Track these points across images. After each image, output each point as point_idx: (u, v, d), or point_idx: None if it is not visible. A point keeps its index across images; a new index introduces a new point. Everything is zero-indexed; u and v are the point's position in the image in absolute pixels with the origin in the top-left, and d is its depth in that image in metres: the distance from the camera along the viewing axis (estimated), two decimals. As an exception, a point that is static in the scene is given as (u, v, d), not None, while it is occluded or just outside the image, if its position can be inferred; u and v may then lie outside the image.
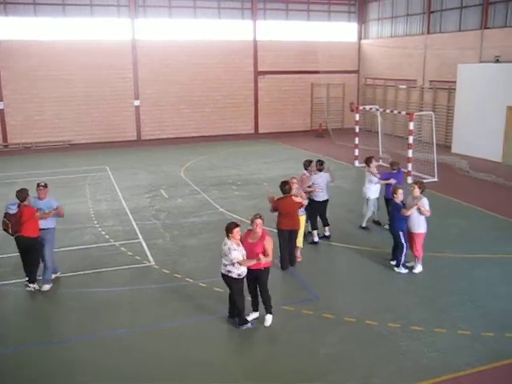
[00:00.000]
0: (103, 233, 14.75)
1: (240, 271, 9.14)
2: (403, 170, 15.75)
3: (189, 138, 31.94)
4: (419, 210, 11.45)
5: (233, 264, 9.04)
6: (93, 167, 23.85)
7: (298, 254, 12.55)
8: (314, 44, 33.99)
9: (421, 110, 27.54)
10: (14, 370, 8.34)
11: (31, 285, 11.08)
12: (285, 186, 11.77)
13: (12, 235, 10.94)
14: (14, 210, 10.81)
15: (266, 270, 9.44)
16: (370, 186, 14.67)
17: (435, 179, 20.20)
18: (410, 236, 11.72)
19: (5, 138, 29.43)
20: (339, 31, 35.50)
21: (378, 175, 14.64)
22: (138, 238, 14.27)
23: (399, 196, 11.71)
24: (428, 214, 11.53)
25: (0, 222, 11.18)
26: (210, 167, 23.83)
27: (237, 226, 9.13)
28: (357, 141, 23.81)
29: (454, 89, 26.73)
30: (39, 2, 28.80)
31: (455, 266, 12.25)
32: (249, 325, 9.46)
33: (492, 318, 9.69)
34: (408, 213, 11.44)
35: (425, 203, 11.54)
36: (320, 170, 13.72)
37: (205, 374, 8.15)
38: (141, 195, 18.85)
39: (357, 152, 23.73)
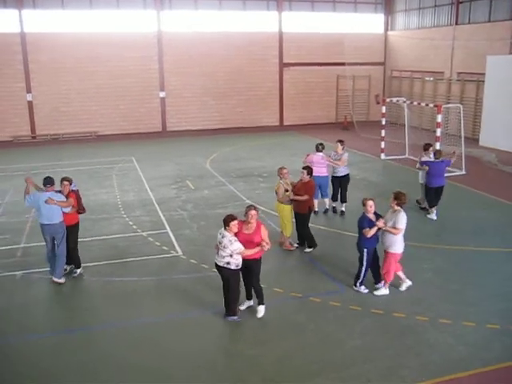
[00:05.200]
0: (130, 223, 14.91)
1: (238, 262, 9.16)
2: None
3: (214, 130, 32.02)
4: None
5: (231, 255, 9.05)
6: (119, 158, 24.09)
7: (286, 243, 12.88)
8: (339, 35, 33.68)
9: (448, 103, 27.16)
10: (42, 357, 8.51)
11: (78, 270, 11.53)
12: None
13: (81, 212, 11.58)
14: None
15: (259, 260, 9.45)
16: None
17: (463, 172, 19.96)
18: (385, 254, 10.40)
19: (33, 130, 29.86)
20: (365, 22, 35.15)
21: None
22: (165, 229, 14.39)
23: (368, 208, 10.18)
24: (396, 232, 9.99)
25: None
26: (236, 159, 23.89)
27: (234, 219, 9.13)
28: (383, 133, 23.64)
29: (483, 81, 26.34)
30: (67, -6, 29.13)
31: (483, 259, 12.14)
32: (235, 318, 9.45)
33: (521, 312, 9.61)
34: (368, 234, 9.94)
35: (399, 219, 10.03)
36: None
37: (233, 365, 8.24)
38: (167, 186, 19.00)
39: (383, 144, 23.57)
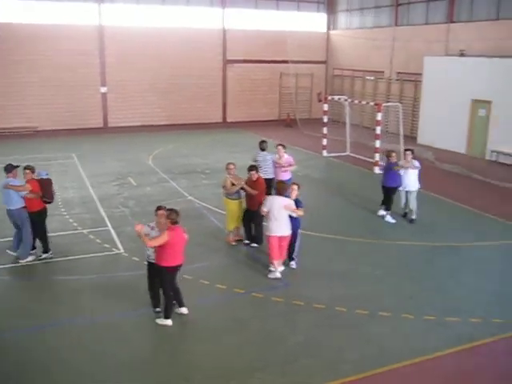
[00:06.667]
0: (71, 220, 14.58)
1: (149, 252, 9.22)
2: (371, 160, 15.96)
3: (157, 126, 31.62)
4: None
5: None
6: (59, 154, 23.49)
7: (229, 237, 13.02)
8: (283, 33, 33.90)
9: (388, 101, 27.84)
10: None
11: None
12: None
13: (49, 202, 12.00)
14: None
15: (165, 269, 9.00)
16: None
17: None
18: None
19: (-33, 124, 28.76)
20: (308, 21, 35.54)
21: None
22: (107, 226, 14.16)
23: (291, 192, 11.39)
24: (295, 214, 11.03)
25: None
26: (179, 156, 23.72)
27: (159, 208, 9.14)
28: (325, 131, 23.98)
29: (421, 81, 27.11)
30: (3, -16, 28.13)
31: (421, 253, 12.56)
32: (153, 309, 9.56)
33: (456, 304, 10.00)
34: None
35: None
36: (262, 150, 14.74)
37: (176, 363, 8.21)
38: (108, 183, 18.68)
39: (325, 142, 23.92)
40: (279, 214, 10.89)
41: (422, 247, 12.92)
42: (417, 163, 14.66)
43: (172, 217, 8.91)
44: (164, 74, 31.91)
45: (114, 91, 31.07)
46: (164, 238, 8.76)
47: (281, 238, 11.03)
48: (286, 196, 11.19)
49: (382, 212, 15.04)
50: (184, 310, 9.44)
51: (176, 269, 9.13)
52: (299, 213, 11.05)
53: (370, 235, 13.65)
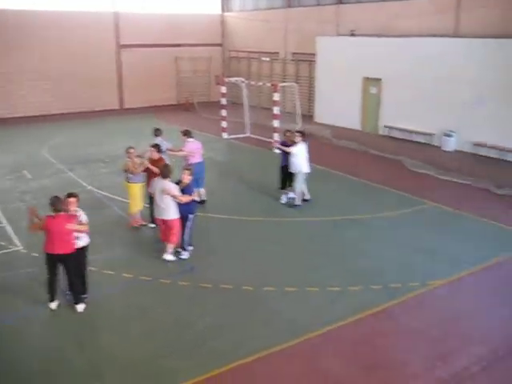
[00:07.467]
0: (-39, 219, 13.79)
1: None
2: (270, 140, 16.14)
3: (51, 116, 30.25)
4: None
5: None
6: None
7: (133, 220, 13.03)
8: (177, 17, 33.48)
9: (284, 82, 28.28)
10: None
11: None
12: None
13: None
14: None
15: (45, 255, 9.16)
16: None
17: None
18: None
19: None
20: (202, 4, 35.22)
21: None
22: (2, 223, 13.49)
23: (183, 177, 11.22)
24: (178, 199, 10.81)
25: None
26: (76, 145, 22.93)
27: (70, 196, 9.14)
28: (224, 113, 24.04)
29: (315, 61, 27.74)
30: None
31: (322, 228, 12.99)
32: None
33: (358, 274, 10.46)
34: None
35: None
36: (156, 136, 14.47)
37: (87, 356, 8.03)
38: (1, 177, 17.74)
39: (225, 124, 24.00)
40: (159, 198, 10.86)
41: (323, 222, 13.36)
42: (293, 149, 13.91)
43: (54, 204, 8.82)
44: (57, 60, 30.49)
45: (1, 80, 29.36)
46: (39, 224, 8.89)
47: (165, 221, 11.00)
48: (178, 181, 11.13)
49: (289, 193, 14.79)
50: (53, 305, 9.27)
51: (52, 257, 8.96)
52: (182, 199, 10.79)
53: (273, 214, 13.93)
